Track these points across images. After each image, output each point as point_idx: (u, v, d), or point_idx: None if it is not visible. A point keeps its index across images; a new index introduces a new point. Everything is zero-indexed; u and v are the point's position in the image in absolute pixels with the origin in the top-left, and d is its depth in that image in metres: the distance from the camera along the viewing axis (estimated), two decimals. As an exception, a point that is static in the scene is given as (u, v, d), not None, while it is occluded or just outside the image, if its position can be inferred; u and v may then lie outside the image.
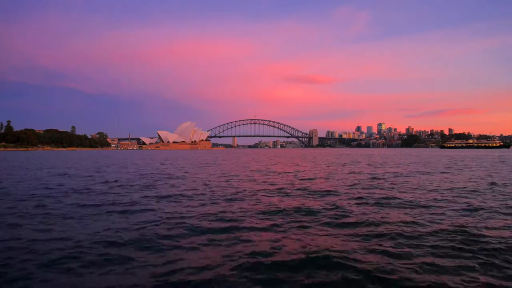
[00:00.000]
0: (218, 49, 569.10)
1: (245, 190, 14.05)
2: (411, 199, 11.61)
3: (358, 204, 10.70)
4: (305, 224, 8.04)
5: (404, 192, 13.49)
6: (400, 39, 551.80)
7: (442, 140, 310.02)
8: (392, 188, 14.79)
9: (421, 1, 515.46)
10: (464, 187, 14.86)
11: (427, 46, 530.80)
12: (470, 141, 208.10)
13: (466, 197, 12.01)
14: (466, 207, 10.03)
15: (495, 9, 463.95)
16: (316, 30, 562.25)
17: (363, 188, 14.63)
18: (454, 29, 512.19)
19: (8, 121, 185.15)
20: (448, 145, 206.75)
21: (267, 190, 14.03)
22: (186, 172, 24.98)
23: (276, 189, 14.52)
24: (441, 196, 12.33)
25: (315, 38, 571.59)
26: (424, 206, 10.23)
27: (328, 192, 13.28)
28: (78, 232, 7.34)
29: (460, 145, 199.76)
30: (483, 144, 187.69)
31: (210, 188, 15.08)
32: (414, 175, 21.60)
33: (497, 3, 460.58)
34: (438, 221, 8.28)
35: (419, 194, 12.90)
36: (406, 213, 9.24)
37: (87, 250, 6.15)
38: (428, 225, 7.83)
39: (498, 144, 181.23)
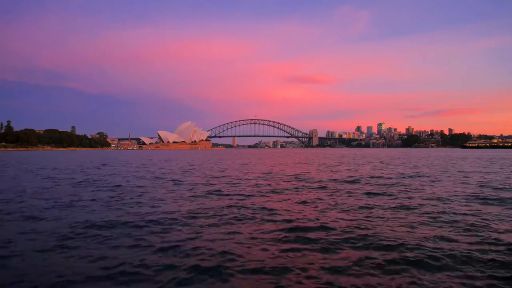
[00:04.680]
0: (218, 49, 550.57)
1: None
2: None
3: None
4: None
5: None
6: (400, 39, 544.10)
7: (442, 139, 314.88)
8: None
9: (422, 1, 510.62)
10: None
11: (427, 46, 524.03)
12: (495, 140, 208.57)
13: None
14: None
15: (495, 9, 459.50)
16: (317, 30, 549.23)
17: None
18: (454, 29, 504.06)
19: (8, 121, 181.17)
20: (470, 145, 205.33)
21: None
22: None
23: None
24: None
25: (315, 38, 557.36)
26: None
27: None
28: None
29: (483, 144, 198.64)
30: (510, 144, 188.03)
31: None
32: None
33: (497, 3, 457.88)
34: None
35: None
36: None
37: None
38: None
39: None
